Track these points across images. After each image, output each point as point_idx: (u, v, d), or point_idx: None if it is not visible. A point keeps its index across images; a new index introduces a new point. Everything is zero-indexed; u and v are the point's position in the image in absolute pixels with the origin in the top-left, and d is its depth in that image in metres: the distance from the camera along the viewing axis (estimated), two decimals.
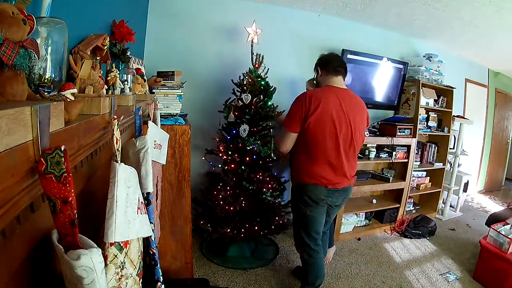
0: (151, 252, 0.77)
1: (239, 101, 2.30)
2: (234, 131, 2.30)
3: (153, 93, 1.85)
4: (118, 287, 0.49)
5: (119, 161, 0.51)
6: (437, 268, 2.48)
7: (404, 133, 3.04)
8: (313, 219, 1.78)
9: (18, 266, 0.36)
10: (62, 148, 0.34)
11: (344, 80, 1.79)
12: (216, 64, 2.70)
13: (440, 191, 3.60)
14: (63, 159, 0.34)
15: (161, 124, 1.28)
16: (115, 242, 0.47)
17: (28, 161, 0.34)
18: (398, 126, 2.99)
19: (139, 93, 1.44)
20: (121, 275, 0.49)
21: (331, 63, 1.75)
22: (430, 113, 3.51)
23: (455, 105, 3.60)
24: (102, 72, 1.01)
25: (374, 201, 3.15)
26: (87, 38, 1.04)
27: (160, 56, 2.46)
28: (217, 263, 2.35)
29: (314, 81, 1.99)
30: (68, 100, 0.58)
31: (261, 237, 2.45)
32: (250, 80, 2.30)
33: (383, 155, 3.07)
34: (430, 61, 3.38)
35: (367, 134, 2.92)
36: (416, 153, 3.27)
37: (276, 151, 2.19)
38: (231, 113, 2.29)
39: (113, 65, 1.17)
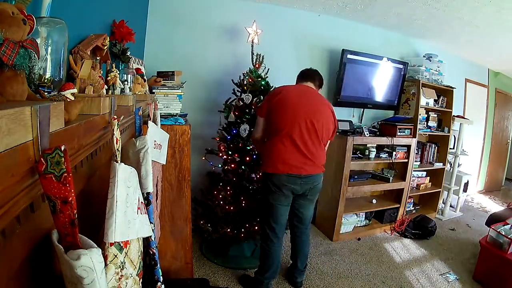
0: (151, 252, 0.77)
1: (240, 101, 2.30)
2: (234, 131, 2.31)
3: (153, 93, 1.85)
4: (118, 287, 0.49)
5: (119, 161, 0.51)
6: (437, 268, 2.48)
7: (404, 133, 3.04)
8: (273, 207, 1.86)
9: (18, 266, 0.36)
10: (62, 148, 0.34)
11: (315, 87, 1.98)
12: (216, 64, 2.70)
13: (440, 191, 3.60)
14: (63, 159, 0.34)
15: (161, 124, 1.28)
16: (115, 242, 0.47)
17: (28, 161, 0.34)
18: (398, 126, 3.00)
19: (139, 93, 1.44)
20: (121, 275, 0.49)
21: (302, 74, 2.03)
22: (430, 113, 3.51)
23: (455, 105, 3.60)
24: (102, 72, 1.01)
25: (374, 201, 3.15)
26: (87, 38, 1.04)
27: (160, 56, 2.46)
28: (217, 263, 2.35)
29: None
30: (68, 100, 0.58)
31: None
32: (250, 80, 2.30)
33: (383, 155, 3.07)
34: (430, 61, 3.38)
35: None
36: (416, 153, 3.27)
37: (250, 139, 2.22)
38: (232, 113, 2.29)
39: (113, 65, 1.17)
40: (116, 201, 0.48)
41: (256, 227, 2.26)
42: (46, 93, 0.62)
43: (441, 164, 3.56)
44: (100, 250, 0.40)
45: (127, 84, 1.25)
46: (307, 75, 2.00)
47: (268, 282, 2.00)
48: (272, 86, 2.40)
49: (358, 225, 3.10)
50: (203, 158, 2.48)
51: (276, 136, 1.81)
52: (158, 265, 0.81)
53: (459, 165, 3.75)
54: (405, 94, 3.38)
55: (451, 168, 3.68)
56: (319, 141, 1.83)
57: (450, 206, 3.81)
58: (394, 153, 3.04)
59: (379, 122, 3.21)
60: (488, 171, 5.09)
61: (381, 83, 3.19)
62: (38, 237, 0.40)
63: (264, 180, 1.88)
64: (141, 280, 0.58)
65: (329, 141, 1.98)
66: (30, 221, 0.38)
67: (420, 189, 3.51)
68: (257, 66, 2.39)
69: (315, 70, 2.03)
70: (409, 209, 3.42)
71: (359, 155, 2.98)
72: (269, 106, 1.84)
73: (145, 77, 1.72)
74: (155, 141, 0.91)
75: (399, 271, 2.42)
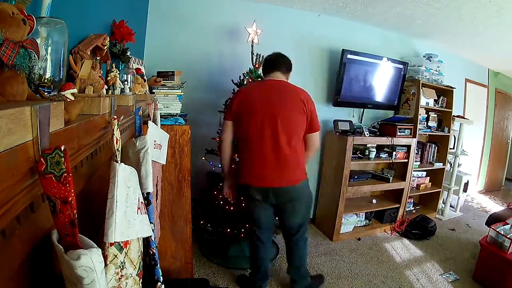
0: (151, 252, 0.77)
1: None
2: None
3: (153, 93, 1.85)
4: (118, 287, 0.49)
5: (119, 161, 0.51)
6: (437, 268, 2.48)
7: (404, 133, 3.04)
8: (253, 212, 1.84)
9: (18, 266, 0.36)
10: (62, 148, 0.34)
11: (284, 73, 1.82)
12: (216, 64, 2.70)
13: (440, 191, 3.60)
14: (63, 159, 0.34)
15: (161, 124, 1.28)
16: (115, 242, 0.47)
17: (28, 161, 0.34)
18: (398, 126, 3.00)
19: (139, 93, 1.44)
20: (121, 275, 0.49)
21: (265, 64, 1.85)
22: (430, 113, 3.51)
23: (455, 105, 3.60)
24: (102, 72, 1.01)
25: (374, 201, 3.15)
26: (87, 38, 1.04)
27: (160, 56, 2.46)
28: (217, 263, 2.35)
29: None
30: (68, 100, 0.58)
31: None
32: (250, 80, 2.30)
33: (383, 155, 3.07)
34: (430, 61, 3.38)
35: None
36: (416, 153, 3.27)
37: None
38: None
39: (113, 65, 1.17)
40: (116, 201, 0.48)
41: None
42: (46, 93, 0.62)
43: (441, 164, 3.56)
44: (100, 250, 0.40)
45: (127, 84, 1.25)
46: (270, 63, 1.81)
47: (260, 285, 1.99)
48: None
49: (358, 225, 3.10)
50: (203, 158, 2.48)
51: (243, 145, 1.73)
52: (158, 265, 0.81)
53: (459, 165, 3.75)
54: (405, 94, 3.38)
55: (451, 168, 3.68)
56: (288, 140, 1.64)
57: (450, 206, 3.81)
58: (394, 153, 3.04)
59: (379, 122, 3.21)
60: (488, 171, 5.09)
61: (381, 83, 3.18)
62: (38, 237, 0.40)
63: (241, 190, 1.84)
64: (141, 280, 0.58)
65: (314, 133, 1.77)
66: (30, 221, 0.38)
67: (420, 189, 3.51)
68: (257, 66, 2.38)
69: (278, 54, 1.84)
70: (409, 209, 3.42)
71: (359, 155, 2.98)
72: (231, 112, 1.74)
73: (145, 77, 1.72)
74: (155, 141, 0.91)
75: (399, 271, 2.42)
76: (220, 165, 2.41)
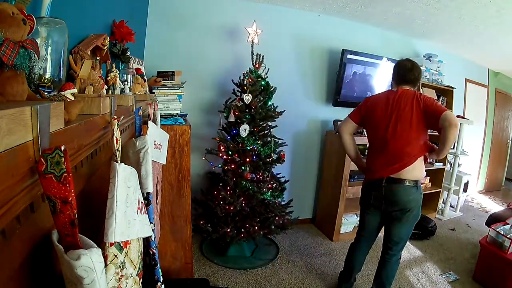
0: (151, 252, 0.77)
1: (240, 101, 2.30)
2: (234, 131, 2.31)
3: (153, 93, 1.85)
4: (118, 287, 0.49)
5: (119, 161, 0.51)
6: (437, 268, 2.48)
7: None
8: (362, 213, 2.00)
9: (18, 266, 0.36)
10: (62, 148, 0.34)
11: (413, 83, 1.78)
12: (216, 64, 2.70)
13: (440, 191, 3.60)
14: (63, 159, 0.34)
15: (161, 124, 1.28)
16: (115, 242, 0.47)
17: (28, 161, 0.34)
18: None
19: (139, 93, 1.44)
20: (121, 275, 0.49)
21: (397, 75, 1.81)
22: None
23: (455, 105, 3.60)
24: (102, 72, 1.01)
25: None
26: (87, 38, 1.04)
27: (160, 56, 2.46)
28: (217, 263, 2.35)
29: None
30: (68, 100, 0.58)
31: (261, 237, 2.45)
32: (250, 80, 2.30)
33: None
34: (430, 61, 3.38)
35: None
36: None
37: None
38: (232, 113, 2.29)
39: (113, 65, 1.17)
40: (116, 201, 0.48)
41: (256, 227, 2.26)
42: (46, 93, 0.62)
43: (441, 164, 3.56)
44: (100, 250, 0.40)
45: (127, 84, 1.25)
46: (403, 78, 1.76)
47: (340, 285, 2.07)
48: (272, 86, 2.40)
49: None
50: (203, 158, 2.48)
51: None
52: (158, 265, 0.81)
53: (459, 165, 3.75)
54: None
55: (451, 168, 3.68)
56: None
57: (450, 206, 3.81)
58: None
59: None
60: (488, 171, 5.09)
61: (381, 83, 3.18)
62: (38, 237, 0.40)
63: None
64: (141, 280, 0.58)
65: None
66: (30, 221, 0.38)
67: None
68: (257, 66, 2.38)
69: (411, 63, 1.78)
70: None
71: None
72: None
73: (145, 77, 1.72)
74: (155, 141, 0.91)
75: (399, 271, 2.42)
76: (220, 165, 2.41)
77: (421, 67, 3.26)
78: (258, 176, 2.29)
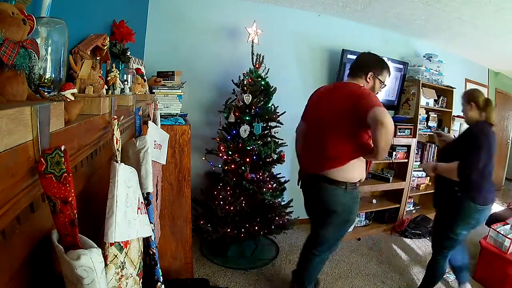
0: (151, 252, 0.77)
1: (240, 101, 2.30)
2: (234, 131, 2.31)
3: (153, 93, 1.85)
4: (119, 287, 0.49)
5: (119, 161, 0.51)
6: None
7: (404, 133, 3.04)
8: None
9: (18, 266, 0.36)
10: (62, 148, 0.34)
11: (352, 75, 1.65)
12: (216, 64, 2.70)
13: None
14: (63, 159, 0.34)
15: (161, 124, 1.28)
16: (115, 242, 0.47)
17: (28, 161, 0.34)
18: (398, 126, 3.00)
19: (139, 93, 1.44)
20: (121, 275, 0.49)
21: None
22: (430, 113, 3.51)
23: (455, 105, 3.59)
24: (102, 72, 1.01)
25: (374, 201, 3.15)
26: (87, 38, 1.04)
27: (160, 56, 2.46)
28: (217, 263, 2.35)
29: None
30: (68, 100, 0.58)
31: (261, 237, 2.45)
32: (250, 80, 2.30)
33: None
34: (430, 61, 3.38)
35: None
36: (416, 153, 3.27)
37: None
38: (232, 113, 2.29)
39: (113, 65, 1.17)
40: (116, 201, 0.48)
41: (256, 227, 2.26)
42: (46, 93, 0.62)
43: None
44: (100, 250, 0.40)
45: (127, 84, 1.25)
46: (349, 70, 1.67)
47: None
48: (272, 86, 2.40)
49: (358, 225, 3.09)
50: (203, 158, 2.48)
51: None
52: (158, 265, 0.81)
53: None
54: (405, 94, 3.38)
55: None
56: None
57: None
58: (394, 153, 3.04)
59: None
60: None
61: None
62: (38, 237, 0.40)
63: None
64: (141, 280, 0.58)
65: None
66: (30, 221, 0.38)
67: (420, 189, 3.51)
68: (257, 66, 2.38)
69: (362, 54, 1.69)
70: (409, 209, 3.41)
71: None
72: None
73: (145, 77, 1.72)
74: (155, 141, 0.91)
75: (399, 271, 2.42)
76: (220, 165, 2.41)
77: (421, 67, 3.29)
78: (258, 176, 2.29)
